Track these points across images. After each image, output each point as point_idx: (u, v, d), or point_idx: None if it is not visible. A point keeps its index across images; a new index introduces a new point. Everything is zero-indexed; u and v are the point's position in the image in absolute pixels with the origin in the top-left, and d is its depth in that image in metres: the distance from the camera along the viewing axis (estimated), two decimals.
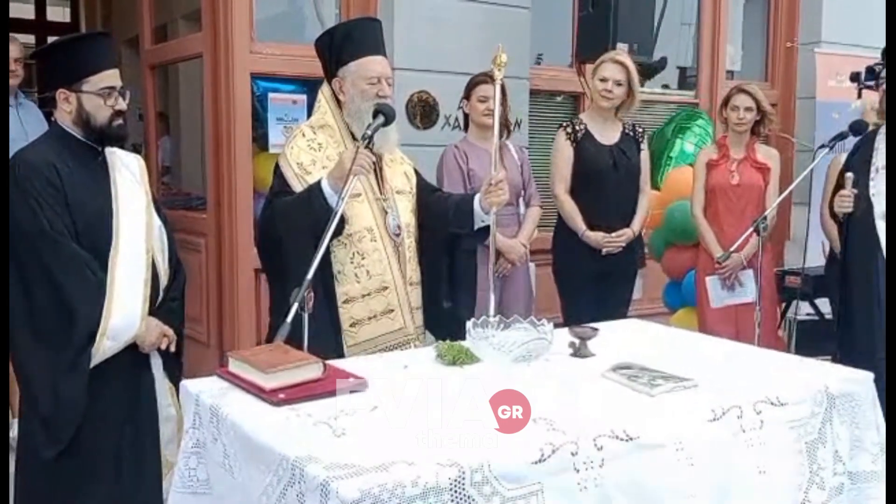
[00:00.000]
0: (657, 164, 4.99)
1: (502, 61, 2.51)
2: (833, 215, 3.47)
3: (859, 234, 3.26)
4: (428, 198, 2.75)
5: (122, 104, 2.47)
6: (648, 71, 4.99)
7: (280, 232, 2.45)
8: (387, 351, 2.49)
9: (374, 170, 2.59)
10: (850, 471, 1.97)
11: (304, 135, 2.59)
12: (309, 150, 2.56)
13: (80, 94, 2.42)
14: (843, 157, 3.84)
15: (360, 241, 2.53)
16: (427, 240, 2.71)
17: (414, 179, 2.76)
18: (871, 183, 3.26)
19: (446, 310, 2.68)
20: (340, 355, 2.42)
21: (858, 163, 3.37)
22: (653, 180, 4.70)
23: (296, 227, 2.39)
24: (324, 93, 2.66)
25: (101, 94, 2.43)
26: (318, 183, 2.40)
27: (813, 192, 4.07)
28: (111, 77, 2.45)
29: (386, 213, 2.59)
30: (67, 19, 9.90)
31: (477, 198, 2.58)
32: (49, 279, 2.32)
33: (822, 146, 3.73)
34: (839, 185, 3.38)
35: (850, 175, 3.30)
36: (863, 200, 3.25)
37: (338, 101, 2.60)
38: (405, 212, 2.66)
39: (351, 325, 2.53)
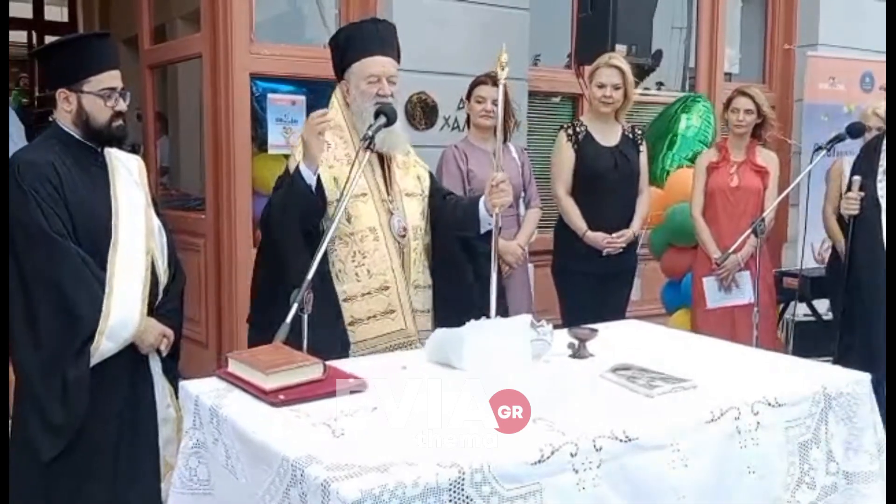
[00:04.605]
0: (661, 148, 4.97)
1: (504, 62, 2.51)
2: (839, 218, 3.49)
3: (866, 236, 3.29)
4: (439, 202, 2.75)
5: (123, 105, 2.48)
6: (646, 70, 4.99)
7: (273, 220, 2.53)
8: (387, 352, 2.49)
9: (382, 170, 2.62)
10: (845, 470, 1.98)
11: None
12: None
13: (80, 95, 2.42)
14: (845, 160, 3.86)
15: (361, 240, 2.54)
16: (438, 244, 2.71)
17: (427, 182, 2.77)
18: (879, 185, 3.29)
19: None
20: (345, 352, 2.42)
21: (865, 165, 3.40)
22: (657, 166, 4.69)
23: (284, 211, 2.47)
24: (335, 94, 2.70)
25: (101, 94, 2.43)
26: (298, 166, 2.48)
27: (809, 194, 4.09)
28: (112, 78, 2.46)
29: (391, 213, 2.60)
30: (65, 19, 9.88)
31: (482, 200, 2.59)
32: (48, 278, 2.32)
33: (819, 148, 3.74)
34: (847, 189, 3.41)
35: (857, 178, 3.33)
36: (870, 202, 3.28)
37: (347, 102, 2.64)
38: (413, 214, 2.66)
39: (350, 324, 2.53)
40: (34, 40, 9.58)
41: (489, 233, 2.62)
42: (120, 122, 2.48)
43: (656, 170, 4.75)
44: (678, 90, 6.34)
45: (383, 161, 2.65)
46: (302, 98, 4.26)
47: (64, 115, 2.46)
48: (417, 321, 2.62)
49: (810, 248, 4.87)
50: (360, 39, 2.60)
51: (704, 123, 5.17)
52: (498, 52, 2.51)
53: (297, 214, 2.45)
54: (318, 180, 2.48)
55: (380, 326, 2.55)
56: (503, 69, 2.48)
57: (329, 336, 2.38)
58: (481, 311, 2.38)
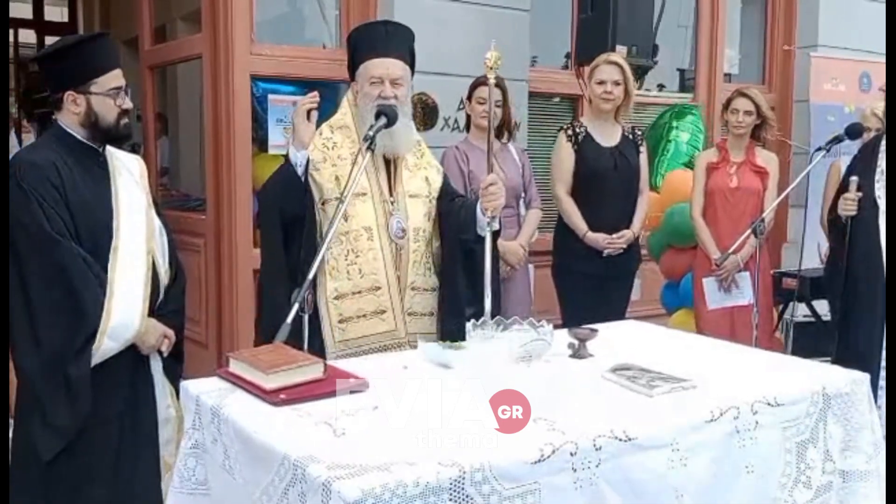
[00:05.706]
0: (655, 156, 5.00)
1: (488, 61, 2.50)
2: (833, 219, 3.49)
3: (864, 236, 3.29)
4: (446, 205, 2.73)
5: (129, 103, 2.50)
6: (645, 69, 5.01)
7: (260, 203, 2.65)
8: (376, 352, 2.48)
9: (388, 171, 2.63)
10: (842, 469, 1.99)
11: (321, 133, 2.63)
12: (323, 147, 2.60)
13: (89, 96, 2.43)
14: (843, 161, 3.87)
15: (356, 239, 2.54)
16: (445, 247, 2.70)
17: (437, 185, 2.74)
18: (877, 185, 3.29)
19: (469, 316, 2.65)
20: (322, 351, 2.42)
21: (862, 166, 3.40)
22: (653, 173, 4.73)
23: (267, 190, 2.63)
24: (347, 94, 2.73)
25: (110, 94, 2.44)
26: (287, 150, 2.57)
27: (809, 194, 4.10)
28: (117, 77, 2.47)
29: (391, 215, 2.60)
30: (65, 19, 9.88)
31: (479, 204, 2.58)
32: (51, 278, 2.32)
33: (819, 149, 3.75)
34: (842, 190, 3.41)
35: (854, 179, 3.34)
36: (868, 203, 3.28)
37: (356, 103, 2.65)
38: (416, 216, 2.64)
39: (340, 322, 2.53)
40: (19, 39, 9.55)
41: (494, 234, 2.62)
42: (126, 119, 2.50)
43: (652, 177, 4.76)
44: (678, 91, 6.35)
45: (389, 162, 2.65)
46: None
47: (71, 116, 2.45)
48: (413, 323, 2.61)
49: (817, 248, 4.88)
50: (367, 41, 2.60)
51: (693, 138, 5.21)
52: (488, 51, 2.50)
53: (277, 194, 2.52)
54: (307, 168, 2.50)
55: (369, 326, 2.54)
56: (491, 69, 2.48)
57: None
58: (479, 314, 2.39)
